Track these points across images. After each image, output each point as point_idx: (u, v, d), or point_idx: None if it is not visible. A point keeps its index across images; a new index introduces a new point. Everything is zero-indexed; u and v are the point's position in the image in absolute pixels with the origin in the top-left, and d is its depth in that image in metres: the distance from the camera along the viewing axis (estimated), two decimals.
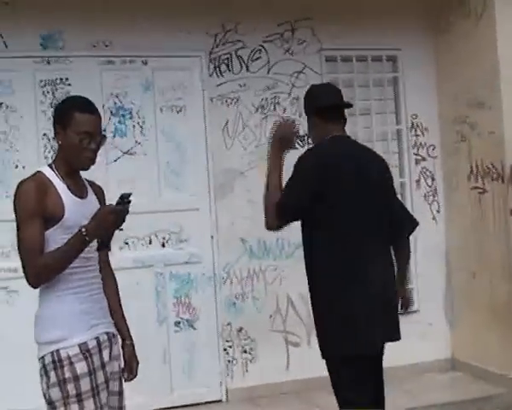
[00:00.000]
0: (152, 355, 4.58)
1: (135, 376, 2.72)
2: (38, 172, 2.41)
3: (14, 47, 4.39)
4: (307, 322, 4.92)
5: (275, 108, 4.97)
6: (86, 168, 2.46)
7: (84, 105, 2.44)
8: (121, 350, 2.62)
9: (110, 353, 2.48)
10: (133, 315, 4.44)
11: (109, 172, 4.54)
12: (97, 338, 2.42)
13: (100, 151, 4.58)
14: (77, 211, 2.39)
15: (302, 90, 4.94)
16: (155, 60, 4.66)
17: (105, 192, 4.47)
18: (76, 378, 2.32)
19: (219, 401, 4.73)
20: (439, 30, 5.29)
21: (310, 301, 2.99)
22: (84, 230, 2.25)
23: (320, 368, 4.85)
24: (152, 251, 4.63)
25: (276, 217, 2.86)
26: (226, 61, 4.86)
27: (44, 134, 4.46)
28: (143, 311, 4.57)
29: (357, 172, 2.90)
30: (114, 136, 4.60)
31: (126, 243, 4.59)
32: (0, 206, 4.31)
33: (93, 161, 2.46)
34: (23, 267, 2.29)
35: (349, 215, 2.85)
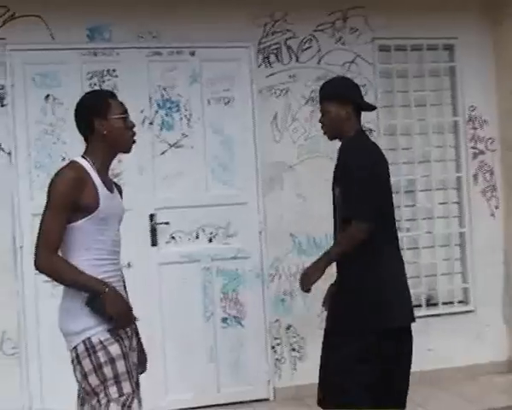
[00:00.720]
0: (198, 352, 4.54)
1: (144, 370, 2.78)
2: (75, 162, 2.49)
3: (60, 39, 4.36)
4: None
5: None
6: (129, 150, 2.60)
7: (109, 93, 2.63)
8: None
9: (130, 344, 2.53)
10: (179, 310, 4.52)
11: (156, 166, 4.50)
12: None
13: (146, 144, 4.68)
14: (108, 204, 2.49)
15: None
16: (203, 51, 4.58)
17: (154, 186, 4.52)
18: (112, 360, 2.37)
19: (266, 399, 4.63)
20: (497, 19, 5.04)
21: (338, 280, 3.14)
22: (106, 290, 2.36)
23: None
24: (199, 246, 4.55)
25: (366, 223, 2.98)
26: (275, 52, 4.73)
27: None
28: (190, 306, 4.53)
29: (387, 167, 3.21)
30: (161, 129, 4.53)
31: (173, 238, 4.53)
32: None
33: (134, 140, 2.60)
34: (36, 248, 2.37)
35: (386, 206, 3.14)
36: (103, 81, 4.43)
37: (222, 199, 4.58)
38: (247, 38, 4.65)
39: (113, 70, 4.45)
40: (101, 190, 2.47)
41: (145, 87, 4.49)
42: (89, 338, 2.38)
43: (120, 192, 2.76)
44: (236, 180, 4.63)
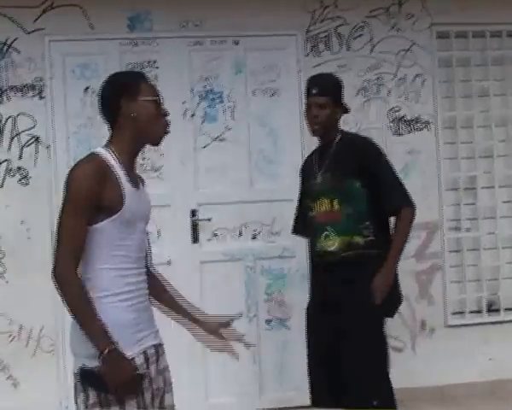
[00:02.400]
0: (240, 355, 4.27)
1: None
2: (94, 153, 2.18)
3: (100, 29, 4.25)
4: (412, 325, 4.54)
5: (378, 91, 4.57)
6: (160, 141, 2.27)
7: (141, 74, 2.32)
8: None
9: (156, 367, 2.22)
10: (221, 311, 4.28)
11: (198, 160, 4.36)
12: (145, 353, 2.17)
13: (188, 137, 4.42)
14: (134, 203, 2.18)
15: (409, 70, 4.59)
16: (247, 39, 4.39)
17: (195, 181, 4.35)
18: (121, 402, 2.07)
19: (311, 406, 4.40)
20: None
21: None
22: (106, 351, 2.02)
23: (426, 377, 4.48)
24: (242, 244, 4.38)
25: (415, 208, 3.21)
26: (324, 40, 4.50)
27: None
28: (232, 307, 4.25)
29: None
30: (204, 121, 4.38)
31: (215, 235, 4.37)
32: None
33: (168, 129, 2.29)
34: (54, 257, 2.09)
35: None
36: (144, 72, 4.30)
37: (267, 195, 4.40)
38: (295, 26, 4.44)
39: (154, 61, 4.32)
40: (127, 186, 2.15)
41: (187, 78, 4.34)
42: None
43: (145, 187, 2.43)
44: (282, 175, 4.43)
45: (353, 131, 4.49)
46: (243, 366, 4.38)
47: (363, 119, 4.51)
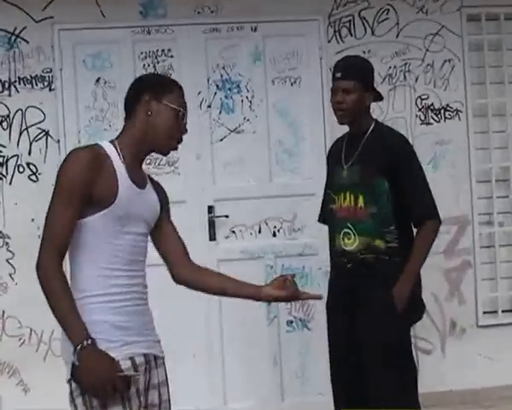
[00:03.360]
0: (261, 357, 4.22)
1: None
2: (96, 144, 2.08)
3: (111, 16, 4.09)
4: (441, 326, 4.36)
5: (405, 78, 4.36)
6: (167, 152, 2.17)
7: (180, 86, 2.19)
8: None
9: (148, 380, 2.04)
10: (240, 312, 4.14)
11: (215, 153, 4.21)
12: (132, 359, 1.99)
13: (204, 129, 4.18)
14: (131, 200, 2.03)
15: (438, 55, 4.37)
16: (266, 25, 4.22)
17: (212, 175, 4.18)
18: (103, 406, 1.91)
19: None
20: None
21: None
22: (84, 344, 1.87)
23: (457, 380, 4.29)
24: (261, 241, 4.21)
25: (439, 223, 3.03)
26: (348, 25, 4.30)
27: None
28: (252, 308, 4.02)
29: None
30: (220, 112, 4.21)
31: (233, 232, 4.21)
32: None
33: (178, 146, 2.17)
34: (40, 248, 1.96)
35: None
36: (157, 62, 4.15)
37: (287, 189, 4.23)
38: (316, 10, 4.26)
39: (169, 49, 4.17)
40: (124, 180, 2.02)
41: (203, 67, 4.18)
42: None
43: (165, 195, 2.28)
44: (303, 168, 4.26)
45: (380, 120, 4.33)
46: (263, 370, 4.26)
47: (389, 107, 4.31)
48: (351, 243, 3.02)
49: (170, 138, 2.10)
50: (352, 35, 4.31)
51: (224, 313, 4.16)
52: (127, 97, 2.14)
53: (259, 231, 4.23)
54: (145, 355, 2.04)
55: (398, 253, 2.97)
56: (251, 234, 4.22)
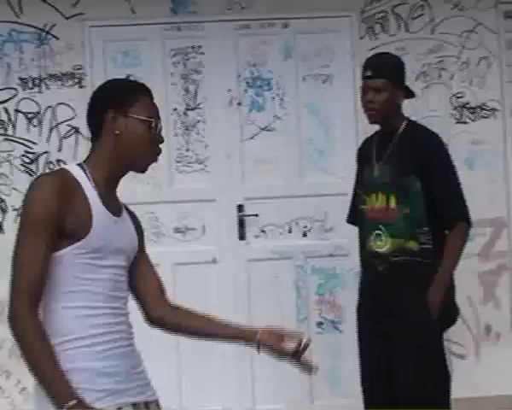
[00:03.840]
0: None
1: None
2: (62, 169, 1.88)
3: (141, 13, 4.06)
4: (475, 331, 4.23)
5: (440, 76, 4.25)
6: (145, 169, 1.89)
7: (143, 86, 1.92)
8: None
9: None
10: (269, 313, 4.08)
11: (245, 151, 4.16)
12: None
13: (234, 127, 3.99)
14: (107, 229, 1.80)
15: (474, 52, 4.25)
16: (298, 22, 4.16)
17: (242, 174, 4.12)
18: None
19: None
20: None
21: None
22: (70, 405, 1.62)
23: (491, 386, 4.17)
24: (292, 241, 4.15)
25: (470, 225, 2.97)
26: (381, 21, 4.21)
27: (175, 109, 4.12)
28: (281, 308, 4.13)
29: None
30: (251, 110, 4.16)
31: (263, 232, 4.15)
32: (130, 188, 3.97)
33: (157, 159, 1.91)
34: (10, 294, 1.71)
35: None
36: (187, 59, 4.13)
37: (318, 188, 4.15)
38: (348, 7, 4.18)
39: (199, 46, 4.13)
40: (97, 207, 1.79)
41: (233, 64, 4.13)
42: None
43: (139, 224, 2.01)
44: (335, 167, 4.18)
45: (413, 119, 4.24)
46: (292, 372, 4.11)
47: (423, 106, 4.19)
48: (382, 245, 2.94)
49: (145, 154, 1.86)
50: (385, 31, 4.21)
51: (253, 313, 4.09)
52: (88, 115, 1.91)
53: (290, 231, 4.16)
54: (134, 405, 1.80)
55: (432, 254, 2.88)
56: (281, 234, 4.16)
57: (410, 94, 3.14)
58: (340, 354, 4.14)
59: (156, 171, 4.11)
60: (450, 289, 2.92)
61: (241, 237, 4.11)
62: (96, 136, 1.88)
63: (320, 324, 4.17)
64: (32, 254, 1.71)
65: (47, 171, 4.04)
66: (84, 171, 1.83)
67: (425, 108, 4.19)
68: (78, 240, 1.74)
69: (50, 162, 4.07)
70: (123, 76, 4.04)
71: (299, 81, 4.18)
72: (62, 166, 1.93)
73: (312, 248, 4.15)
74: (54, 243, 1.72)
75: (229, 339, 1.99)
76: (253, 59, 4.16)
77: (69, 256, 1.75)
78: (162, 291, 2.00)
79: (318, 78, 4.20)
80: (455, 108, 4.26)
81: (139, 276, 1.96)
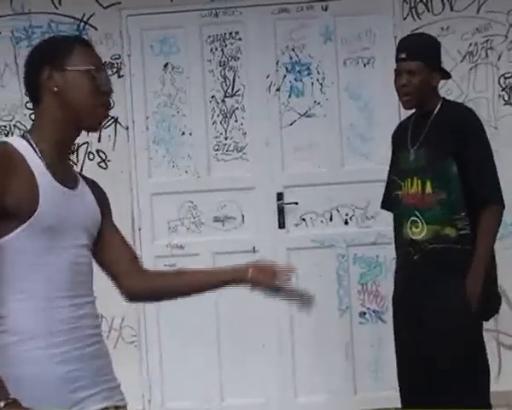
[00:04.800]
0: (333, 349, 4.05)
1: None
2: (4, 142, 1.67)
3: (178, 0, 4.00)
4: None
5: (487, 55, 4.07)
6: (97, 126, 1.72)
7: (79, 38, 1.79)
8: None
9: None
10: None
11: (284, 138, 4.07)
12: None
13: (273, 113, 3.88)
14: (58, 205, 1.61)
15: None
16: (337, 4, 4.03)
17: (281, 161, 4.05)
18: None
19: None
20: None
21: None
22: (3, 404, 1.41)
23: None
24: (333, 229, 4.04)
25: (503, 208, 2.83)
26: (424, 0, 4.04)
27: (212, 96, 4.06)
28: (322, 297, 3.93)
29: None
30: (290, 95, 4.07)
31: (303, 220, 4.05)
32: (167, 177, 4.05)
33: (107, 115, 1.74)
34: None
35: None
36: (225, 45, 4.06)
37: (360, 175, 4.03)
38: None
39: (236, 32, 4.05)
40: (45, 181, 1.60)
41: (271, 49, 4.05)
42: None
43: (103, 196, 1.82)
44: (377, 153, 4.01)
45: (459, 101, 4.07)
46: (335, 363, 4.10)
47: (469, 87, 4.04)
48: (418, 232, 2.82)
49: (91, 108, 1.66)
50: (429, 11, 4.05)
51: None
52: (25, 79, 1.72)
53: (331, 219, 4.06)
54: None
55: (471, 240, 2.76)
56: (322, 222, 4.06)
57: (446, 75, 3.00)
58: (384, 345, 3.99)
59: (194, 159, 4.09)
60: (489, 275, 2.79)
61: (281, 225, 4.03)
62: (36, 102, 1.70)
63: (363, 314, 4.06)
64: None
65: (88, 159, 4.08)
66: (28, 141, 1.64)
67: (472, 89, 4.03)
68: (25, 221, 1.56)
69: (90, 152, 4.08)
70: (161, 64, 4.07)
71: (339, 65, 4.06)
72: (4, 139, 1.72)
73: (354, 237, 4.04)
74: (4, 220, 1.55)
75: (220, 285, 1.84)
76: (291, 43, 4.05)
77: (17, 240, 1.56)
78: (136, 261, 1.83)
79: (359, 61, 4.07)
80: (503, 89, 4.07)
81: (108, 250, 1.78)
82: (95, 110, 1.67)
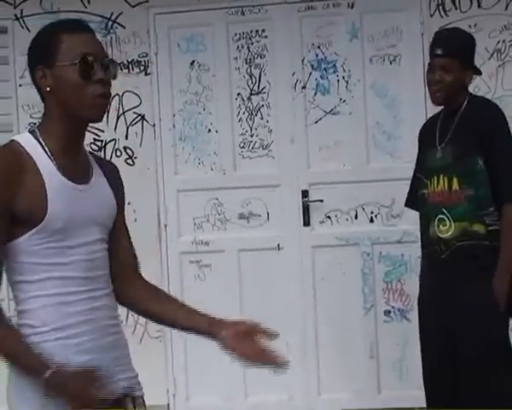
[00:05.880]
0: (357, 347, 4.06)
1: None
2: (8, 143, 1.64)
3: None
4: None
5: None
6: (98, 117, 1.65)
7: (71, 23, 1.69)
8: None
9: None
10: (335, 300, 4.02)
11: (309, 136, 4.07)
12: None
13: (298, 111, 3.87)
14: (69, 204, 1.61)
15: None
16: (364, 1, 4.02)
17: (307, 159, 4.05)
18: None
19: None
20: None
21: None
22: (47, 374, 1.51)
23: None
24: (358, 227, 4.04)
25: None
26: None
27: (238, 94, 4.08)
28: (347, 296, 4.05)
29: None
30: (316, 93, 4.07)
31: (328, 217, 4.06)
32: (193, 174, 4.08)
33: (106, 103, 1.66)
34: None
35: None
36: (252, 43, 4.09)
37: (386, 173, 4.02)
38: None
39: (263, 30, 4.07)
40: (54, 181, 1.59)
41: (297, 47, 4.06)
42: None
43: (117, 177, 1.80)
44: (403, 151, 4.01)
45: (496, 97, 4.03)
46: (359, 361, 4.10)
47: (497, 85, 4.00)
48: (446, 230, 2.81)
49: (89, 99, 1.60)
50: (456, 8, 4.01)
51: (319, 301, 4.04)
52: (31, 79, 1.70)
53: (356, 217, 4.05)
54: (117, 401, 1.65)
55: (500, 236, 2.74)
56: (347, 219, 4.06)
57: (477, 71, 3.00)
58: (409, 344, 3.97)
59: (220, 156, 4.12)
60: None
61: (306, 223, 4.04)
62: (42, 100, 1.68)
63: (388, 312, 4.05)
64: None
65: (115, 156, 4.13)
66: (37, 139, 1.63)
67: (500, 87, 3.99)
68: (35, 225, 1.57)
69: (117, 149, 4.14)
70: (187, 62, 4.11)
71: (365, 62, 4.05)
72: (13, 137, 1.67)
73: (379, 235, 4.03)
74: (6, 229, 1.57)
75: (194, 330, 1.78)
76: (317, 41, 4.05)
77: (29, 243, 1.58)
78: (136, 270, 1.81)
79: (385, 58, 4.05)
80: None
81: (115, 247, 1.75)
82: (92, 101, 1.61)
